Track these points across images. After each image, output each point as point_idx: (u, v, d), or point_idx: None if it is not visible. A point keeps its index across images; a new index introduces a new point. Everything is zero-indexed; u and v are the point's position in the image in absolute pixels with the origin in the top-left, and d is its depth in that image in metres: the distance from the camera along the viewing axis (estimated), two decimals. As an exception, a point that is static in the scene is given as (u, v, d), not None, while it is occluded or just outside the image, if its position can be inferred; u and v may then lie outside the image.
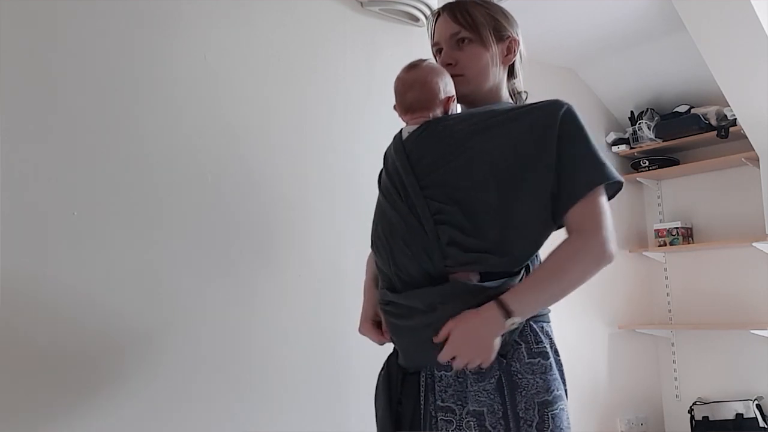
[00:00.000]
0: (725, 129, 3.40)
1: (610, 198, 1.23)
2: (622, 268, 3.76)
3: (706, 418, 3.48)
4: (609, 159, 1.17)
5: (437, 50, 1.38)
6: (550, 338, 1.22)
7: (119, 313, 1.47)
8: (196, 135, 1.64)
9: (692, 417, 3.53)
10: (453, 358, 1.13)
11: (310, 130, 1.85)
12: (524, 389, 1.14)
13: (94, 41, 1.51)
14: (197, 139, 1.64)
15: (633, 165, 3.86)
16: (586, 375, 3.52)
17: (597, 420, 3.54)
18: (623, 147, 3.81)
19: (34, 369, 1.36)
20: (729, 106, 3.21)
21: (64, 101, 1.45)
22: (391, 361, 1.29)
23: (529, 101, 1.43)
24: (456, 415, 1.16)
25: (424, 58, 1.34)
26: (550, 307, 1.26)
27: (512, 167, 1.17)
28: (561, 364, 1.21)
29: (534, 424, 1.12)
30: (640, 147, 3.75)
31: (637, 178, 3.79)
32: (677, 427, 3.74)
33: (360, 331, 1.36)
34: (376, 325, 1.32)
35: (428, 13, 2.05)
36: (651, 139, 3.69)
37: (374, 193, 1.38)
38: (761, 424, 3.32)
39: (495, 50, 1.33)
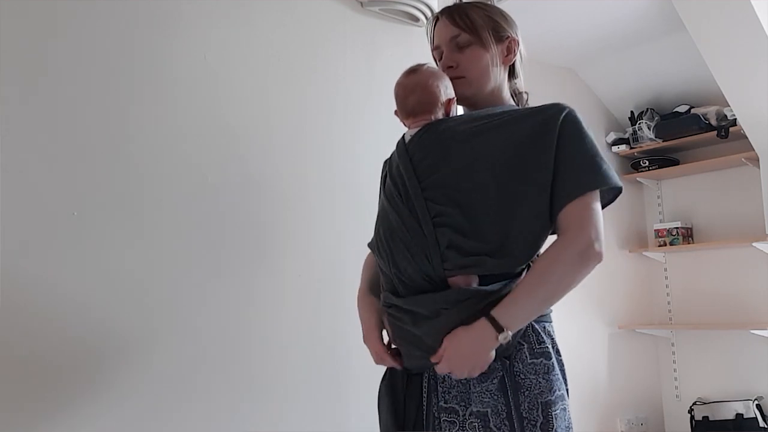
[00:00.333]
0: (725, 129, 3.40)
1: (609, 203, 1.23)
2: (622, 268, 3.76)
3: (706, 418, 3.48)
4: (609, 159, 1.17)
5: (438, 54, 1.38)
6: (552, 338, 1.22)
7: (119, 313, 1.47)
8: (196, 135, 1.64)
9: (692, 417, 3.53)
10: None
11: (310, 130, 1.85)
12: (527, 389, 1.14)
13: (94, 41, 1.51)
14: (197, 139, 1.64)
15: (633, 165, 3.86)
16: (586, 375, 3.52)
17: (597, 420, 3.54)
18: (623, 147, 3.82)
19: (35, 368, 1.36)
20: (729, 106, 3.21)
21: (64, 101, 1.45)
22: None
23: (530, 101, 1.43)
24: (459, 416, 1.17)
25: (422, 62, 1.34)
26: (551, 307, 1.26)
27: (513, 169, 1.17)
28: (563, 364, 1.21)
29: (538, 424, 1.12)
30: (640, 147, 3.75)
31: (637, 178, 3.79)
32: (677, 427, 3.74)
33: (367, 343, 1.32)
34: (381, 337, 1.30)
35: (428, 13, 2.05)
36: (651, 139, 3.69)
37: (374, 192, 1.38)
38: (761, 424, 3.32)
39: (495, 51, 1.34)
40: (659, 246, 3.75)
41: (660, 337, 3.84)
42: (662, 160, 3.76)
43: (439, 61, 1.37)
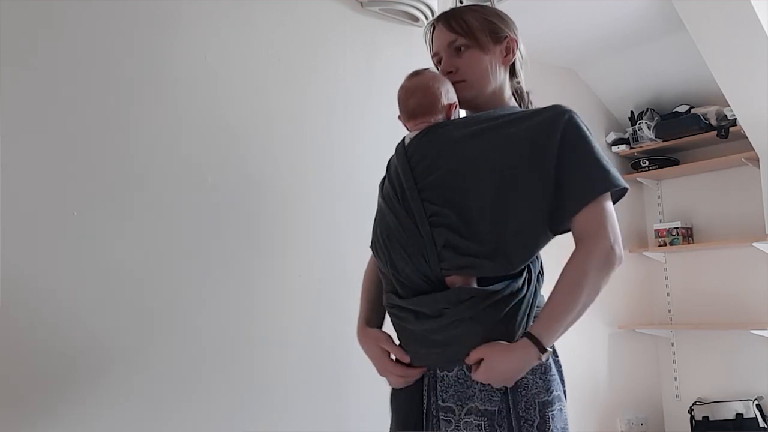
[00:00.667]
0: (725, 129, 3.40)
1: (613, 203, 1.23)
2: (622, 268, 3.65)
3: (706, 418, 3.48)
4: (609, 159, 1.16)
5: (437, 60, 1.39)
6: None
7: (119, 313, 1.47)
8: (196, 135, 1.64)
9: (692, 417, 3.53)
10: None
11: (310, 130, 1.85)
12: (525, 389, 1.14)
13: (94, 41, 1.51)
14: (197, 139, 1.64)
15: (633, 165, 3.86)
16: (586, 375, 3.52)
17: (597, 420, 3.54)
18: (623, 147, 3.81)
19: (35, 368, 1.36)
20: (729, 106, 3.20)
21: (64, 101, 1.45)
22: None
23: (532, 101, 1.43)
24: (455, 415, 1.17)
25: (425, 67, 1.35)
26: None
27: (510, 172, 1.17)
28: (560, 365, 1.22)
29: (535, 424, 1.12)
30: (640, 147, 3.75)
31: (637, 178, 3.79)
32: (677, 427, 3.73)
33: (385, 374, 1.28)
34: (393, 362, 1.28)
35: (428, 13, 2.05)
36: (651, 139, 3.69)
37: (374, 192, 1.38)
38: (761, 424, 3.32)
39: (493, 53, 1.34)
40: (659, 246, 3.75)
41: (660, 337, 3.83)
42: (662, 160, 3.76)
43: (439, 66, 1.38)
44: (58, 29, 1.46)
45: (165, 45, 1.61)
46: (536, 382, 1.15)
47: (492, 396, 1.14)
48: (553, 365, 1.18)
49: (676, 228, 3.69)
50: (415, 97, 1.29)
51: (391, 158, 1.33)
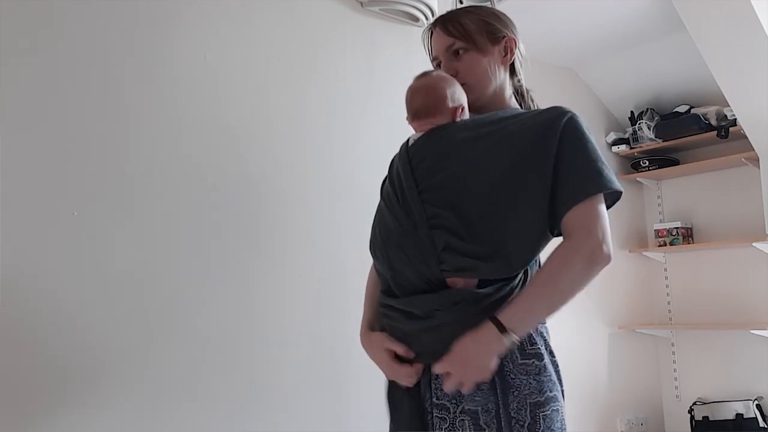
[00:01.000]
0: (725, 129, 3.40)
1: (607, 208, 1.22)
2: (622, 268, 3.76)
3: (706, 418, 3.48)
4: (609, 159, 1.16)
5: (437, 64, 1.39)
6: (545, 339, 1.22)
7: (119, 313, 1.47)
8: (196, 135, 1.64)
9: (692, 417, 3.53)
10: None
11: (310, 130, 1.85)
12: (517, 389, 1.14)
13: (94, 41, 1.51)
14: (197, 139, 1.64)
15: (633, 165, 3.86)
16: (586, 375, 3.52)
17: (597, 420, 3.54)
18: (623, 147, 3.81)
19: (35, 368, 1.36)
20: (729, 106, 3.20)
21: (64, 101, 1.45)
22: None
23: (533, 99, 1.43)
24: (450, 413, 1.17)
25: (430, 69, 1.35)
26: None
27: (511, 174, 1.17)
28: (557, 366, 1.21)
29: (526, 425, 1.12)
30: (640, 147, 3.75)
31: (637, 178, 3.79)
32: (677, 427, 3.73)
33: (394, 376, 1.27)
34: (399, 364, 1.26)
35: (428, 13, 2.05)
36: (651, 139, 3.69)
37: (375, 192, 1.38)
38: (761, 424, 3.32)
39: (492, 53, 1.34)
40: (659, 246, 3.74)
41: (660, 337, 3.83)
42: (662, 160, 3.76)
43: (439, 71, 1.38)
44: (58, 29, 1.46)
45: (165, 45, 1.61)
46: (529, 383, 1.15)
47: (474, 396, 1.14)
48: (549, 366, 1.18)
49: (676, 228, 3.69)
50: (421, 97, 1.28)
51: (393, 158, 1.33)
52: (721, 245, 3.53)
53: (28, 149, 1.40)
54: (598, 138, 3.77)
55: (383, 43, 2.05)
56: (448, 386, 1.15)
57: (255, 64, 1.76)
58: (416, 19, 2.08)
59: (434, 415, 1.19)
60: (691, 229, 3.73)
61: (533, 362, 1.16)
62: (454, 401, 1.17)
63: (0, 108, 1.37)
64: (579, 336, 3.51)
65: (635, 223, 3.90)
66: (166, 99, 1.60)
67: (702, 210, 3.72)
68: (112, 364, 1.45)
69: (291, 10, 1.85)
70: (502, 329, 1.11)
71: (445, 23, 1.35)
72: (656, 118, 3.70)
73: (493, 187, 1.17)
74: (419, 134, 1.29)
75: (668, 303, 3.84)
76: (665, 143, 3.67)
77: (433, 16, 2.05)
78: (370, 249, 1.31)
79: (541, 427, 1.12)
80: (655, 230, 3.79)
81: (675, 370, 3.79)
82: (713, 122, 3.48)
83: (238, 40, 1.74)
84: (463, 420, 1.15)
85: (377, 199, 1.35)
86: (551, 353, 1.21)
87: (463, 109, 1.28)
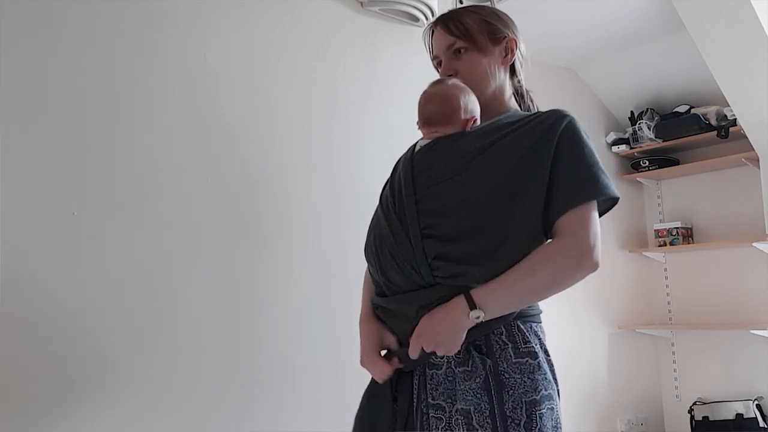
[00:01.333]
0: (725, 129, 3.40)
1: (603, 213, 1.23)
2: (622, 268, 3.76)
3: (706, 418, 3.48)
4: (609, 159, 1.16)
5: (437, 63, 1.39)
6: (540, 338, 1.22)
7: (119, 312, 1.47)
8: (196, 135, 1.64)
9: (692, 417, 3.53)
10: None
11: (310, 130, 1.85)
12: (511, 388, 1.14)
13: (94, 41, 1.51)
14: (197, 139, 1.64)
15: (633, 165, 3.86)
16: (586, 375, 3.52)
17: (597, 420, 3.54)
18: (623, 147, 3.81)
19: (35, 368, 1.36)
20: (729, 106, 3.20)
21: (64, 101, 1.45)
22: None
23: (533, 99, 1.43)
24: (446, 412, 1.18)
25: (434, 71, 1.35)
26: (541, 308, 1.26)
27: (510, 179, 1.17)
28: (552, 364, 1.21)
29: (521, 423, 1.12)
30: (640, 147, 3.75)
31: (637, 178, 3.79)
32: (677, 427, 3.73)
33: (366, 366, 1.29)
34: (379, 357, 1.27)
35: (428, 13, 2.05)
36: (651, 139, 3.69)
37: (375, 192, 1.38)
38: (761, 424, 3.32)
39: (492, 54, 1.34)
40: (659, 246, 3.75)
41: (660, 337, 3.83)
42: (662, 160, 3.76)
43: (439, 69, 1.38)
44: (58, 29, 1.46)
45: (165, 45, 1.61)
46: (524, 382, 1.15)
47: (467, 395, 1.15)
48: (543, 364, 1.18)
49: (676, 228, 3.69)
50: (433, 103, 1.28)
51: (398, 161, 1.34)
52: (721, 245, 3.53)
53: (28, 149, 1.40)
54: (597, 138, 3.79)
55: (383, 43, 2.05)
56: (412, 352, 1.17)
57: (255, 64, 1.76)
58: (416, 19, 2.08)
59: (430, 415, 1.19)
60: (691, 229, 3.73)
61: (527, 361, 1.16)
62: (450, 401, 1.18)
63: (0, 108, 1.37)
64: (579, 336, 3.51)
65: (635, 223, 3.90)
66: (166, 99, 1.60)
67: (702, 210, 3.72)
68: (112, 364, 1.45)
69: (291, 10, 1.85)
70: (471, 305, 1.12)
71: (447, 22, 1.35)
72: (656, 118, 3.70)
73: (492, 193, 1.17)
74: (427, 141, 1.28)
75: (668, 303, 3.84)
76: (665, 143, 3.67)
77: (433, 16, 2.05)
78: (365, 252, 1.32)
79: (537, 426, 1.13)
80: (655, 230, 3.80)
81: (675, 370, 3.79)
82: (713, 122, 3.48)
83: (238, 40, 1.74)
84: (458, 420, 1.15)
85: (378, 199, 1.35)
86: (546, 352, 1.21)
87: (475, 120, 1.28)
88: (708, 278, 3.66)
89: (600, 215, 1.21)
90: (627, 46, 3.48)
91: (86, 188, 1.46)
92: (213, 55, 1.69)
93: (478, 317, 1.12)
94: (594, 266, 1.15)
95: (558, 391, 1.20)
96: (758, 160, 3.26)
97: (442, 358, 1.19)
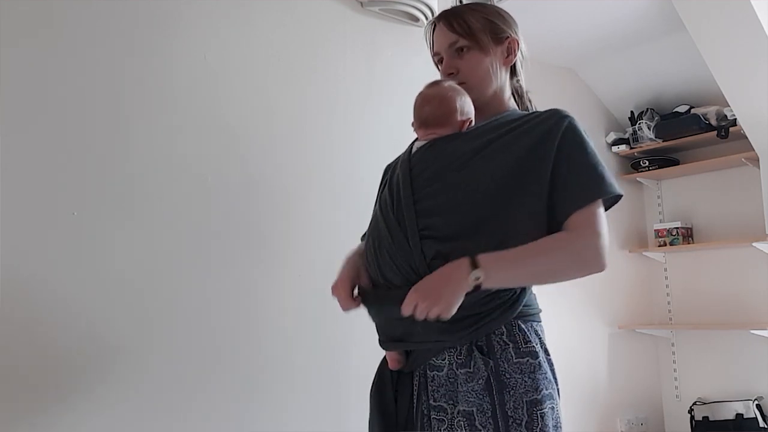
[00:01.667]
0: (725, 129, 3.40)
1: (606, 210, 1.23)
2: (622, 268, 3.76)
3: (706, 418, 3.48)
4: (609, 159, 1.16)
5: (438, 60, 1.38)
6: (540, 338, 1.22)
7: (119, 312, 1.47)
8: (196, 135, 1.64)
9: (692, 417, 3.53)
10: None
11: (310, 130, 1.85)
12: (512, 388, 1.14)
13: (94, 41, 1.51)
14: (197, 139, 1.64)
15: (633, 165, 3.86)
16: (586, 375, 3.52)
17: (597, 420, 3.54)
18: (623, 147, 3.81)
19: (34, 368, 1.36)
20: (729, 106, 3.20)
21: (64, 101, 1.45)
22: (384, 363, 1.31)
23: (531, 99, 1.43)
24: (447, 414, 1.18)
25: (432, 71, 1.34)
26: (541, 307, 1.26)
27: (510, 179, 1.18)
28: (552, 364, 1.21)
29: (523, 423, 1.12)
30: (640, 147, 3.75)
31: (637, 178, 3.79)
32: (677, 427, 3.73)
33: (333, 290, 1.30)
34: (351, 289, 1.28)
35: (428, 13, 2.05)
36: (651, 139, 3.69)
37: (374, 193, 1.38)
38: (761, 424, 3.32)
39: (495, 54, 1.33)
40: (659, 246, 3.75)
41: (660, 337, 3.83)
42: (662, 160, 3.76)
43: (440, 66, 1.37)
44: (58, 29, 1.46)
45: (165, 45, 1.61)
46: (525, 381, 1.15)
47: (469, 396, 1.14)
48: (544, 364, 1.18)
49: (676, 228, 3.69)
50: (430, 105, 1.28)
51: (390, 164, 1.33)
52: (721, 245, 3.53)
53: (28, 149, 1.40)
54: (597, 138, 3.79)
55: (383, 43, 2.05)
56: (405, 306, 1.12)
57: (255, 64, 1.76)
58: (416, 19, 2.08)
59: (431, 416, 1.19)
60: (691, 229, 3.73)
61: (528, 360, 1.16)
62: (451, 402, 1.18)
63: (0, 108, 1.37)
64: (579, 336, 3.51)
65: (635, 223, 3.90)
66: (166, 99, 1.60)
67: (702, 210, 3.72)
68: (112, 363, 1.45)
69: (291, 10, 1.85)
70: (474, 264, 1.11)
71: (450, 19, 1.34)
72: (656, 118, 3.70)
73: (490, 193, 1.17)
74: (423, 142, 1.28)
75: (668, 303, 3.84)
76: (665, 143, 3.67)
77: (433, 15, 2.05)
78: (365, 251, 1.31)
79: (539, 425, 1.13)
80: (655, 230, 3.80)
81: (675, 370, 3.79)
82: (713, 122, 3.48)
83: (238, 40, 1.74)
84: (460, 421, 1.15)
85: (374, 207, 1.35)
86: (546, 351, 1.21)
87: (471, 122, 1.28)
88: (708, 278, 3.66)
89: None
90: (627, 46, 3.48)
91: (86, 188, 1.46)
92: (213, 55, 1.69)
93: (478, 278, 1.10)
94: (600, 268, 1.17)
95: (558, 390, 1.20)
96: (758, 160, 3.26)
97: (443, 360, 1.19)
